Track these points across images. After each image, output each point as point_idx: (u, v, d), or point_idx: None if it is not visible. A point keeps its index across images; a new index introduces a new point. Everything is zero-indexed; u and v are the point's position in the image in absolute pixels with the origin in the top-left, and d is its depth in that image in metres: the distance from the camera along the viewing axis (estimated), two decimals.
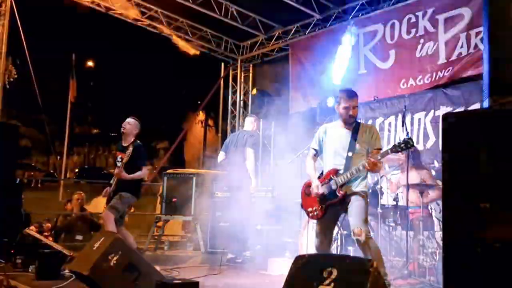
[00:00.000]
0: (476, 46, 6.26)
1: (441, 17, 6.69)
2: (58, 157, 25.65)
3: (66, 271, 4.79)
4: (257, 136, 6.66)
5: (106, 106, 32.21)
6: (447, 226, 1.81)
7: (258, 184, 6.51)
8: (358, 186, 4.17)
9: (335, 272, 2.47)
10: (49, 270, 4.81)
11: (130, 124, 5.80)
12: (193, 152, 29.32)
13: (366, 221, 4.11)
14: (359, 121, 4.42)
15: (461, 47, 6.45)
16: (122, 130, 5.81)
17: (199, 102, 17.94)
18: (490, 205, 1.68)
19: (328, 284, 2.44)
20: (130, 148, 5.57)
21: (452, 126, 1.82)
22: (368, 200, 4.26)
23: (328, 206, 4.21)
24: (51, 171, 31.35)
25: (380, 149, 4.28)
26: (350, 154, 4.20)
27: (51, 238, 6.66)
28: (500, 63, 2.00)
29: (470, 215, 1.71)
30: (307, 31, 8.74)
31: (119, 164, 5.66)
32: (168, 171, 9.50)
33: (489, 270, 1.66)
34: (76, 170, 33.19)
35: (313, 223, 6.01)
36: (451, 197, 1.80)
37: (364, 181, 4.24)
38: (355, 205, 4.10)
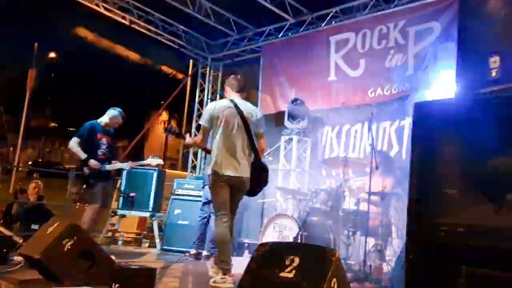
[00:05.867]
0: None
1: (411, 30, 6.83)
2: (11, 149, 24.63)
3: (16, 258, 4.57)
4: None
5: (66, 100, 31.37)
6: (411, 212, 1.80)
7: None
8: None
9: (297, 260, 2.43)
10: None
11: None
12: (154, 152, 28.87)
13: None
14: None
15: (429, 60, 6.60)
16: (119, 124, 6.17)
17: (162, 102, 17.66)
18: (457, 191, 1.68)
19: (290, 272, 2.40)
20: None
21: (422, 114, 1.82)
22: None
23: None
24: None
25: None
26: None
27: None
28: (469, 60, 2.04)
29: (435, 201, 1.71)
30: (280, 34, 8.76)
31: (105, 148, 5.93)
32: None
33: (452, 254, 1.66)
34: (30, 163, 32.11)
35: (275, 223, 6.01)
36: (417, 184, 1.78)
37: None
38: None
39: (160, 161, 6.58)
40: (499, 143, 1.63)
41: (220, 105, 4.64)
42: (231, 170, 4.45)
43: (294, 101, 7.55)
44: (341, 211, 5.78)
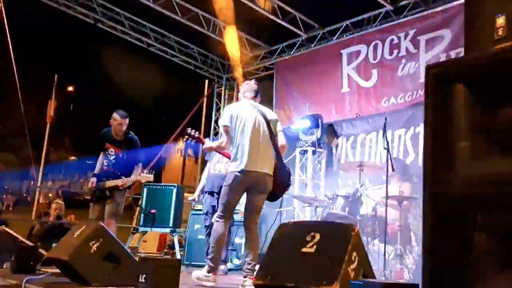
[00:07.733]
0: None
1: (422, 38, 6.96)
2: (32, 182, 25.06)
3: (42, 270, 4.67)
4: None
5: (85, 131, 31.84)
6: (426, 166, 1.83)
7: None
8: None
9: (318, 236, 2.50)
10: (25, 265, 4.67)
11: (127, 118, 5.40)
12: (171, 181, 29.08)
13: None
14: None
15: None
16: (121, 126, 5.34)
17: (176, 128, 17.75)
18: (469, 144, 1.71)
19: (311, 247, 2.47)
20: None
21: (435, 72, 1.84)
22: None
23: None
24: (24, 195, 30.66)
25: None
26: None
27: None
28: (476, 21, 2.10)
29: (449, 154, 1.73)
30: (292, 51, 8.95)
31: (111, 160, 5.33)
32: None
33: (467, 205, 1.70)
34: (50, 195, 32.50)
35: None
36: (431, 139, 1.82)
37: None
38: None
39: (149, 178, 5.62)
40: (507, 96, 1.70)
41: (239, 106, 4.59)
42: (251, 166, 4.29)
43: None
44: (359, 216, 5.78)
